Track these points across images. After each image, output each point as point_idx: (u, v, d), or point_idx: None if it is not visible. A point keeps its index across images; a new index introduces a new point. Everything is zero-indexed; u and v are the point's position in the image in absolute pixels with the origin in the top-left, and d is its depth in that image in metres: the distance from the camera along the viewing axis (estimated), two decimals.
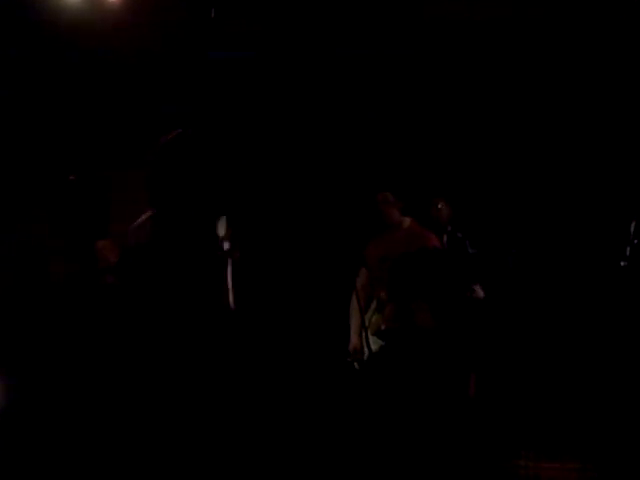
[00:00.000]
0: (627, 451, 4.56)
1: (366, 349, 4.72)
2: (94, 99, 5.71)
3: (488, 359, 4.96)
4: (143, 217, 3.43)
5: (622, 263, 5.13)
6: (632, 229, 5.23)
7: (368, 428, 4.77)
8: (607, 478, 4.37)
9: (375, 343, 4.73)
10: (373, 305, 4.97)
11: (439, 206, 5.56)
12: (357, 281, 5.07)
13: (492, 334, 5.10)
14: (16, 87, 5.48)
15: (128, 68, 5.60)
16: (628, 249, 5.16)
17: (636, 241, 5.13)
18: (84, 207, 5.68)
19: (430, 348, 4.77)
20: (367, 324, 4.74)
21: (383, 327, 4.86)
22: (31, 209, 5.65)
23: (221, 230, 3.44)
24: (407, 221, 5.07)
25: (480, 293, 5.12)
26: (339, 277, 5.35)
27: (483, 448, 4.57)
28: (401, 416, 4.57)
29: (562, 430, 4.81)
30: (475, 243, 5.45)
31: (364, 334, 4.66)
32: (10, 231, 5.57)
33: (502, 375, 5.12)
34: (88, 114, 5.75)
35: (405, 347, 4.74)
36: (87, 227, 5.56)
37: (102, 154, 5.88)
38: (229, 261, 3.46)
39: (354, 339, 5.02)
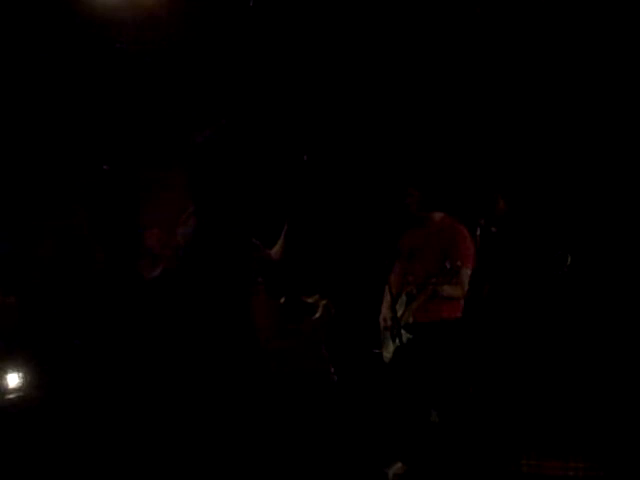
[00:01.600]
0: (631, 449, 4.49)
1: (397, 339, 4.75)
2: (129, 92, 5.80)
3: (495, 357, 4.94)
4: (189, 210, 3.48)
5: None
6: None
7: (386, 419, 4.80)
8: (611, 476, 4.32)
9: (404, 336, 4.76)
10: (403, 298, 4.97)
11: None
12: (391, 274, 5.08)
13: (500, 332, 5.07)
14: (51, 80, 5.58)
15: (165, 61, 5.67)
16: None
17: None
18: (117, 196, 5.77)
19: (455, 341, 4.78)
20: (398, 314, 4.75)
21: (411, 320, 4.90)
22: (70, 198, 5.77)
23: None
24: (439, 214, 5.05)
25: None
26: (373, 271, 5.35)
27: (486, 446, 4.56)
28: (417, 409, 4.59)
29: (565, 428, 4.75)
30: (510, 238, 5.38)
31: (395, 313, 4.66)
32: (51, 219, 5.69)
33: (505, 373, 5.07)
34: (122, 107, 5.83)
35: (432, 339, 4.77)
36: (120, 216, 5.65)
37: (135, 146, 5.96)
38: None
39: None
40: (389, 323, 4.95)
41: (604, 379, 5.00)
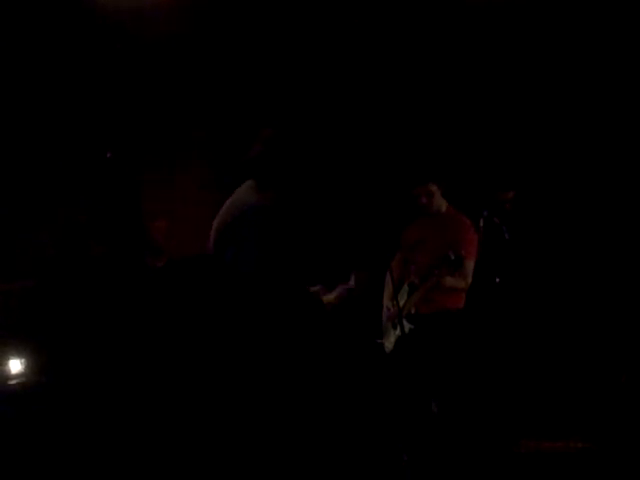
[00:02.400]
0: (627, 429, 4.53)
1: (399, 329, 4.75)
2: (133, 81, 5.79)
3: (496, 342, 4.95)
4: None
5: None
6: None
7: (386, 409, 4.80)
8: (608, 456, 4.35)
9: (405, 326, 4.76)
10: (405, 288, 4.97)
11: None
12: (392, 264, 5.07)
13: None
14: (62, 69, 5.58)
15: (171, 52, 5.67)
16: None
17: None
18: (121, 186, 5.76)
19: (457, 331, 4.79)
20: (400, 304, 4.75)
21: (413, 311, 4.90)
22: (72, 187, 5.76)
23: None
24: (443, 205, 5.05)
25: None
26: (376, 262, 5.34)
27: (487, 427, 4.58)
28: (418, 399, 4.60)
29: (564, 409, 4.79)
30: (512, 229, 5.38)
31: (397, 303, 4.66)
32: (51, 206, 5.69)
33: (506, 355, 5.09)
34: (126, 95, 5.82)
35: (434, 330, 4.78)
36: (124, 207, 5.64)
37: (139, 135, 5.95)
38: None
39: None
40: (391, 313, 4.96)
41: (602, 363, 5.03)
